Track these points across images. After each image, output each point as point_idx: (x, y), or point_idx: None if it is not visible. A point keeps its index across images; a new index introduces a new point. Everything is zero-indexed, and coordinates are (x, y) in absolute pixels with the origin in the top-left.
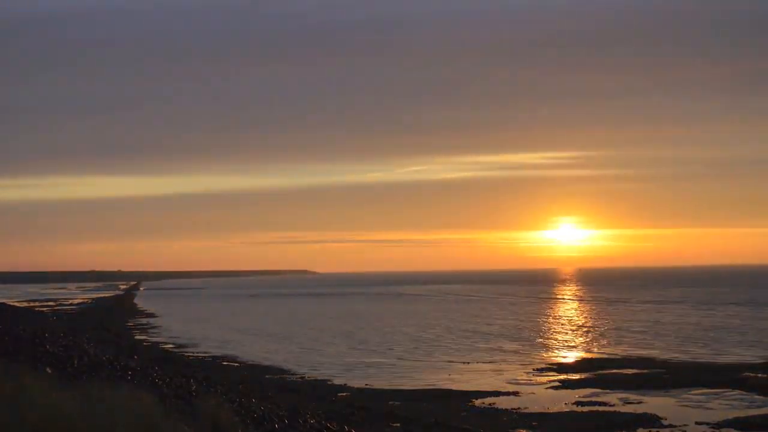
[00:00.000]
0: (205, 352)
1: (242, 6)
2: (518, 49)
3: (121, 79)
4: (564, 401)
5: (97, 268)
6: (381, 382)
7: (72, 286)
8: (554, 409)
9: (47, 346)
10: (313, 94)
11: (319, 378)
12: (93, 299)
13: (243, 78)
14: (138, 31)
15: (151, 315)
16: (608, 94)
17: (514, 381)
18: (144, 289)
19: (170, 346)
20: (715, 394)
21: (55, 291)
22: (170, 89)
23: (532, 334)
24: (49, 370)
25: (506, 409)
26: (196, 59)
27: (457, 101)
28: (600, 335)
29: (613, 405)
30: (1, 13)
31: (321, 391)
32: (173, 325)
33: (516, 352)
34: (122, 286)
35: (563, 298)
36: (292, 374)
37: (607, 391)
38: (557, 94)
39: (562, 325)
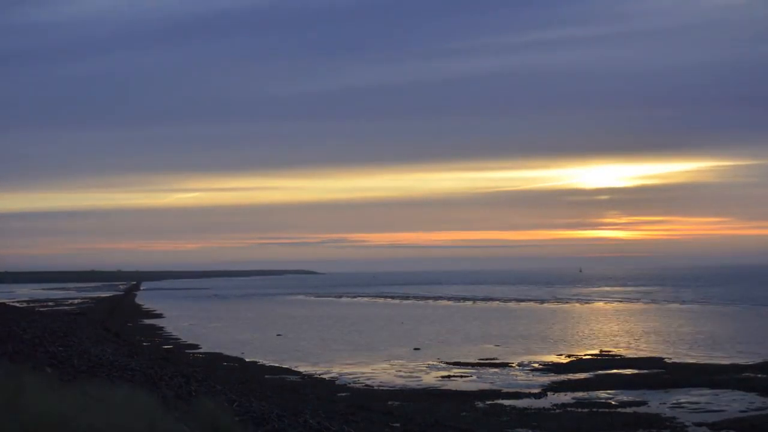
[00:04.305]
0: (206, 352)
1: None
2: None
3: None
4: (564, 401)
5: (97, 268)
6: (381, 381)
7: (72, 286)
8: (554, 409)
9: (47, 346)
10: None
11: (319, 378)
12: (93, 299)
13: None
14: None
15: (152, 315)
16: None
17: (514, 381)
18: (144, 289)
19: (170, 346)
20: (715, 394)
21: (55, 291)
22: None
23: (535, 335)
24: (49, 370)
25: (506, 409)
26: None
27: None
28: (615, 338)
29: (613, 405)
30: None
31: (321, 391)
32: (173, 325)
33: (516, 352)
34: (122, 286)
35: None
36: (292, 374)
37: (607, 391)
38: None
39: (576, 327)
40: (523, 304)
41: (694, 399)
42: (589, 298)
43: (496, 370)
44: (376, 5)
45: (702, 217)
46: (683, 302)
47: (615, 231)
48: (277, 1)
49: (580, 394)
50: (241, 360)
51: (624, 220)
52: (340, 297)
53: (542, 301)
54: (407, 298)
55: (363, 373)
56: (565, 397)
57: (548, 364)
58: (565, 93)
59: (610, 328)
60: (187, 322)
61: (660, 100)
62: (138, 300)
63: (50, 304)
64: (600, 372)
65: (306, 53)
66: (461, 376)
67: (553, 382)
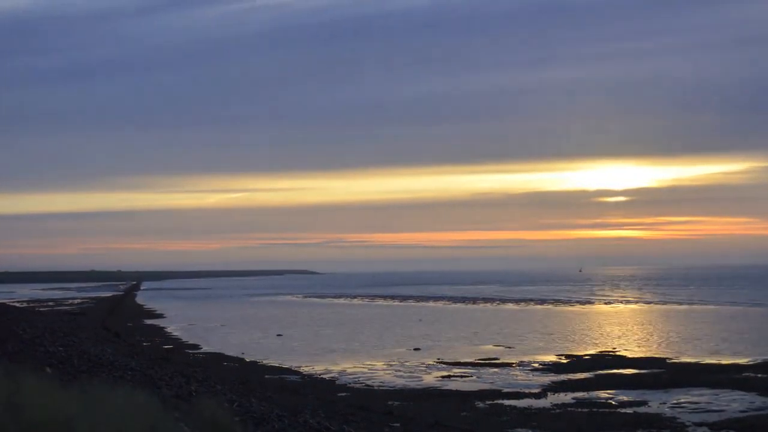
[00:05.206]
0: (206, 352)
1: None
2: None
3: None
4: (564, 401)
5: (97, 268)
6: (381, 381)
7: (72, 286)
8: (554, 409)
9: (47, 346)
10: None
11: (319, 378)
12: (93, 299)
13: None
14: None
15: (153, 315)
16: None
17: (514, 381)
18: (144, 289)
19: (171, 346)
20: (715, 394)
21: (55, 291)
22: None
23: (534, 335)
24: (49, 370)
25: (506, 409)
26: None
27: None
28: (614, 337)
29: (613, 405)
30: None
31: (321, 391)
32: (174, 325)
33: (516, 352)
34: (122, 286)
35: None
36: (292, 374)
37: (607, 391)
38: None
39: (577, 327)
40: (522, 304)
41: (694, 399)
42: (590, 298)
43: (496, 370)
44: (407, 19)
45: (729, 216)
46: (685, 303)
47: (639, 231)
48: (277, 23)
49: (580, 394)
50: (241, 360)
51: (650, 220)
52: (339, 297)
53: (542, 302)
54: (407, 298)
55: (363, 373)
56: (565, 397)
57: (548, 364)
58: (599, 101)
59: (610, 328)
60: (187, 322)
61: (694, 106)
62: (139, 300)
63: (50, 304)
64: (600, 372)
65: (327, 65)
66: (461, 376)
67: (553, 382)
